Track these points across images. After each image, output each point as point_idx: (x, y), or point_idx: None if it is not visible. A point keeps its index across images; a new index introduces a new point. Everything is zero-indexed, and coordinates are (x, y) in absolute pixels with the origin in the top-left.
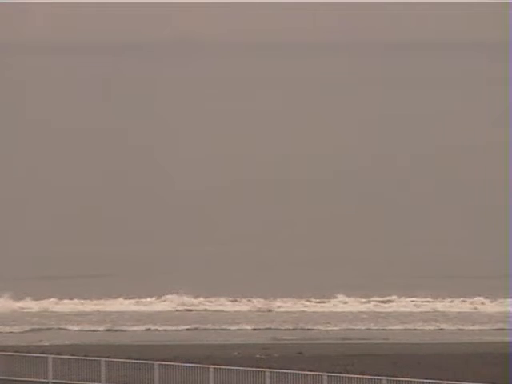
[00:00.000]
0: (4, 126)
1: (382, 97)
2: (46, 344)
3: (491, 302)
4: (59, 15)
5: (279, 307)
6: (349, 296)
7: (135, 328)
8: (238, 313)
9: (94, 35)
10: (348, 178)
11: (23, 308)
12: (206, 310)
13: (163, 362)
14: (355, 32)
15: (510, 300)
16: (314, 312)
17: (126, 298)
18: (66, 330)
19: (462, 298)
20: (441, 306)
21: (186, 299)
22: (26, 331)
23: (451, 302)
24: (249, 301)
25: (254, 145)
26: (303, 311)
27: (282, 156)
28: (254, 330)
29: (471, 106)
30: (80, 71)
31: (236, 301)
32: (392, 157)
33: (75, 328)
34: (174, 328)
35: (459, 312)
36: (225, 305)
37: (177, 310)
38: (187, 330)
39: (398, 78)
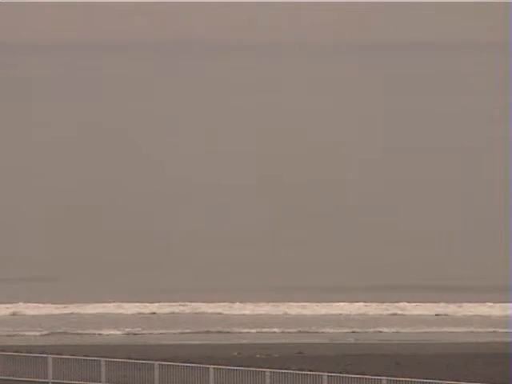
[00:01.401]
0: (3, 126)
1: (381, 96)
2: None
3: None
4: (59, 15)
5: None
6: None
7: None
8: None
9: (94, 35)
10: (345, 178)
11: None
12: (204, 312)
13: (163, 362)
14: (355, 32)
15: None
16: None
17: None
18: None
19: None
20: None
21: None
22: None
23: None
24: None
25: (253, 145)
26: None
27: (281, 156)
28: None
29: (470, 105)
30: (79, 71)
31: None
32: (390, 156)
33: None
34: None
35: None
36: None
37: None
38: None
39: (398, 78)
